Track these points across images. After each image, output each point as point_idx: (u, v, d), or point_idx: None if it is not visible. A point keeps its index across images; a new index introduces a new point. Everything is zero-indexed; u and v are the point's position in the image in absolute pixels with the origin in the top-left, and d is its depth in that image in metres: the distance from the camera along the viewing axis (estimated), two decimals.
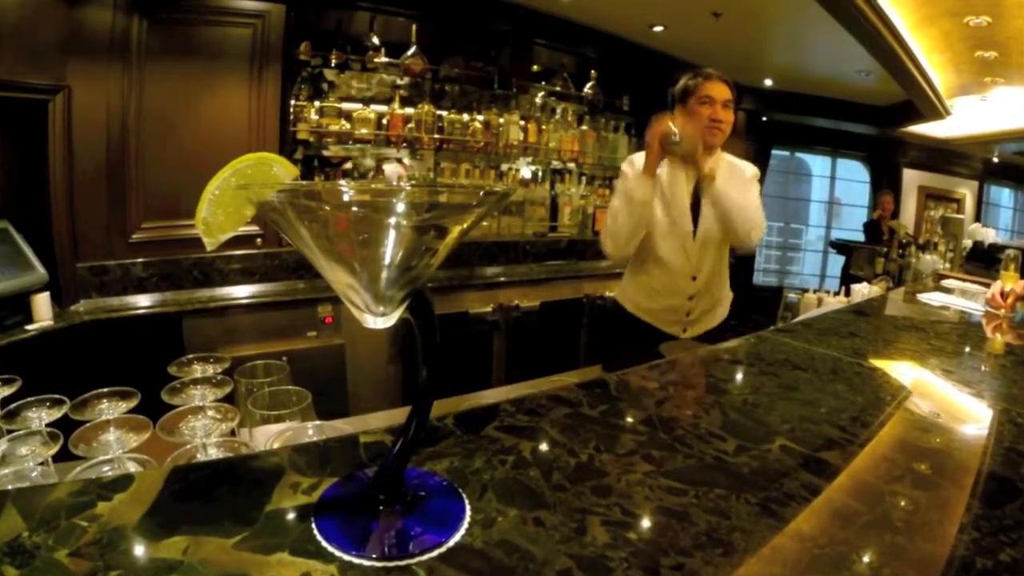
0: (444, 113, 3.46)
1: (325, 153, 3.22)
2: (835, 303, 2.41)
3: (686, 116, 1.90)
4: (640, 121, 1.91)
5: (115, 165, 2.46)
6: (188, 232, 2.53)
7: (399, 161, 3.41)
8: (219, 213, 0.56)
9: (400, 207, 0.44)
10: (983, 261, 3.41)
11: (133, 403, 0.90)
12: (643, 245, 1.99)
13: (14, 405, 0.86)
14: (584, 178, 4.01)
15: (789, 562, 0.52)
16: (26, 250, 2.11)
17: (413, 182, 3.31)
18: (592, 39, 4.01)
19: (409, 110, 3.35)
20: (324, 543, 0.50)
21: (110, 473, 0.75)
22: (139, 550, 0.48)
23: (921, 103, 4.95)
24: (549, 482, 0.63)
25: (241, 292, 2.76)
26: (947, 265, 3.64)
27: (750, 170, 2.05)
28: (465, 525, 0.54)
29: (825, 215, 7.87)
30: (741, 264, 6.60)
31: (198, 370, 1.03)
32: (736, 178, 1.97)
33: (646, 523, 0.57)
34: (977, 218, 7.29)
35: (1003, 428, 0.87)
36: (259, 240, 2.78)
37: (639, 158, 1.99)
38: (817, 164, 7.77)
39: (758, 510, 0.59)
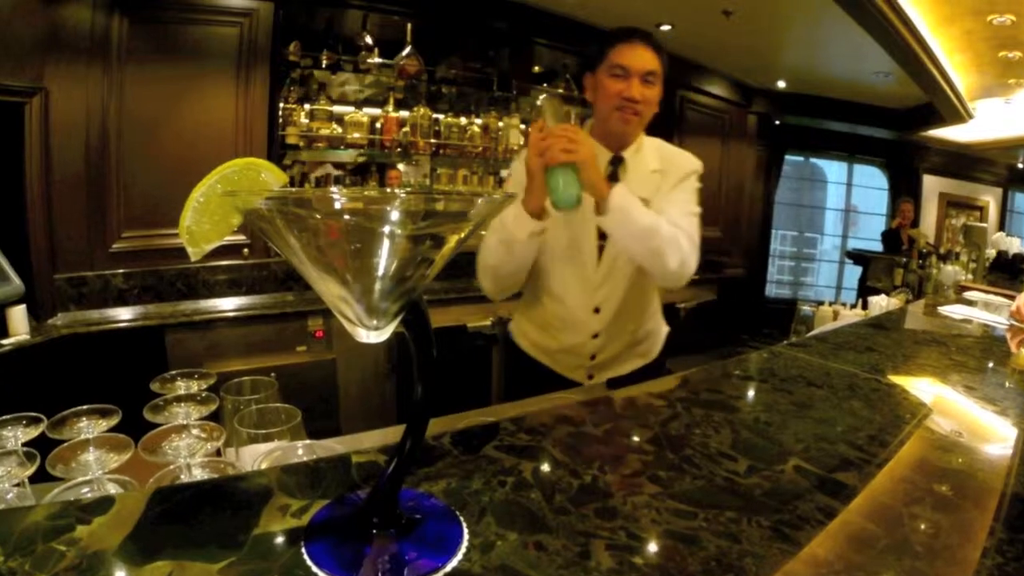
0: (441, 116, 3.48)
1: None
2: (852, 316, 2.41)
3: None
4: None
5: (95, 171, 2.47)
6: (171, 242, 2.54)
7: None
8: (204, 222, 0.56)
9: (395, 215, 0.44)
10: (1007, 272, 3.43)
11: (114, 421, 0.90)
12: (533, 269, 1.58)
13: None
14: None
15: None
16: (1, 260, 2.12)
17: (408, 189, 3.33)
18: (596, 39, 4.03)
19: (404, 113, 3.38)
20: (315, 568, 0.50)
21: (89, 495, 0.75)
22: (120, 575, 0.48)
23: (942, 106, 4.99)
24: (551, 504, 0.63)
25: (227, 305, 2.76)
26: (969, 276, 3.64)
27: (689, 164, 1.60)
28: (463, 549, 0.54)
29: (841, 223, 7.90)
30: (752, 275, 6.61)
31: (182, 387, 1.03)
32: (660, 178, 1.56)
33: (653, 547, 0.57)
34: (1001, 227, 7.33)
35: None
36: (246, 250, 2.79)
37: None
38: (833, 170, 7.80)
39: (770, 534, 0.59)
